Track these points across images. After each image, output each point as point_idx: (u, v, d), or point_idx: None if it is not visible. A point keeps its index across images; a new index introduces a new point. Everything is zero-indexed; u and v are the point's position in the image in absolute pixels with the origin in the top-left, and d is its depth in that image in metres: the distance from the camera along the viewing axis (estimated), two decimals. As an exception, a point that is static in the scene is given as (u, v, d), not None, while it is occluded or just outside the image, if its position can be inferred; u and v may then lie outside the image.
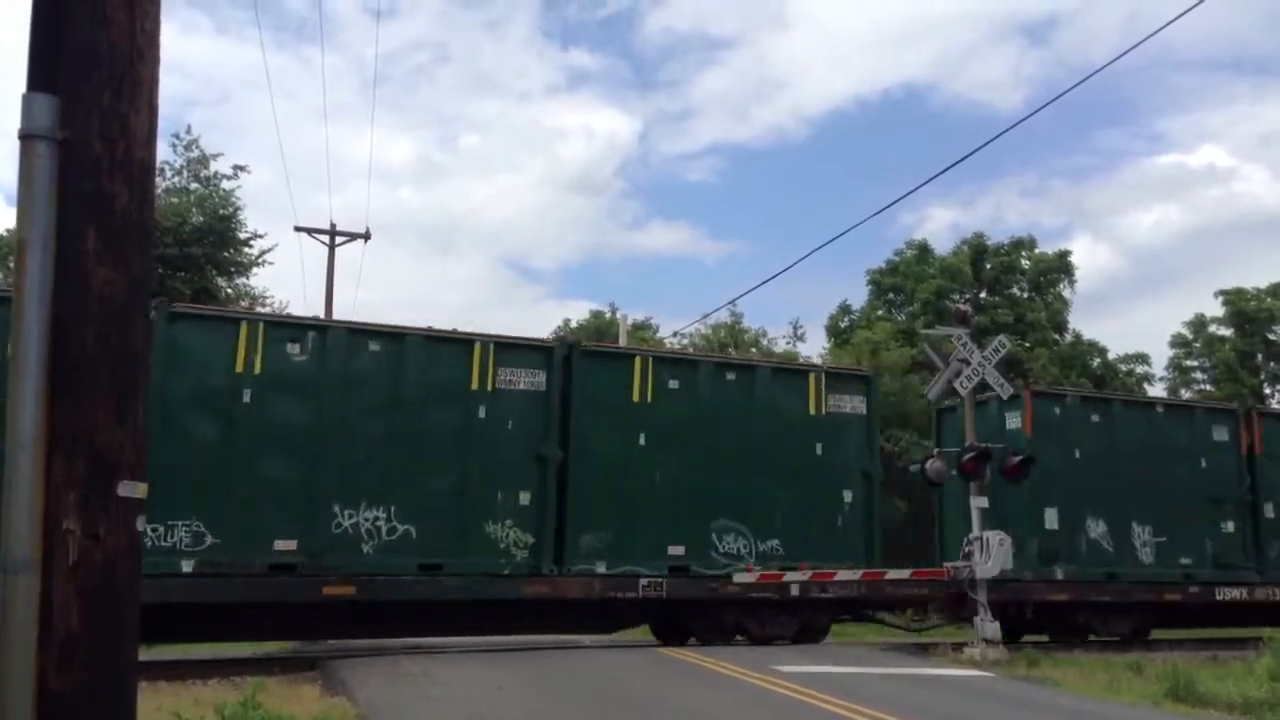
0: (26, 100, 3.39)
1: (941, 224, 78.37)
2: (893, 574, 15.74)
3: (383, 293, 71.93)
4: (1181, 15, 11.60)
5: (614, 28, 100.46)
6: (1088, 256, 70.59)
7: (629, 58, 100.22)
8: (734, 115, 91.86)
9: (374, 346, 13.67)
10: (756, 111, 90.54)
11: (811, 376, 16.30)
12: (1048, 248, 43.62)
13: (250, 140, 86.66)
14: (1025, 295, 41.78)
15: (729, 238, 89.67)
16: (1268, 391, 42.62)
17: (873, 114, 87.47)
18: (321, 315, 26.30)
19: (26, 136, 3.37)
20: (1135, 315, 69.41)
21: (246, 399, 12.86)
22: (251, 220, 64.87)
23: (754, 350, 36.68)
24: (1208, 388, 42.13)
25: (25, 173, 3.36)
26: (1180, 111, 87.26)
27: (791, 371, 16.96)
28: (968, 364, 15.09)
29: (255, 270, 27.35)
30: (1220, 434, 18.70)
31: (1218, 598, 17.83)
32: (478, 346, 14.13)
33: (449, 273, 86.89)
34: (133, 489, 3.40)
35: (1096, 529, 17.32)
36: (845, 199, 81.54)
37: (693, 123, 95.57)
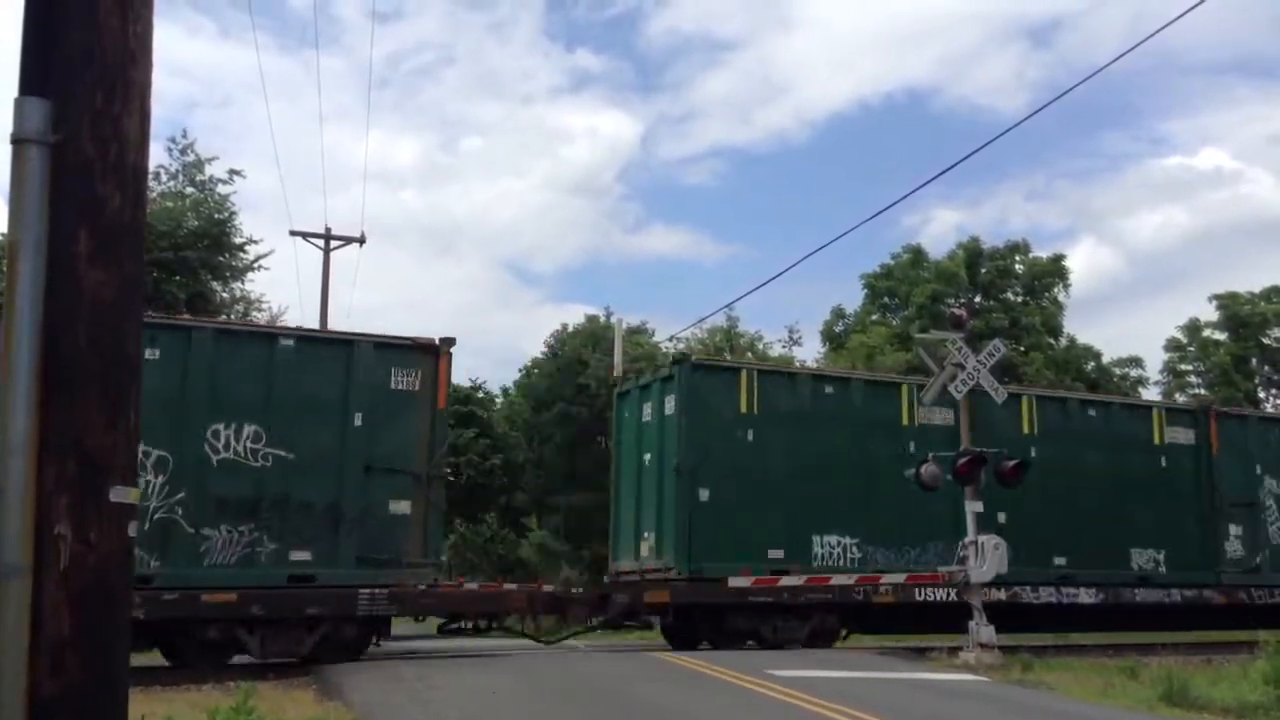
0: (18, 104, 3.39)
1: (946, 226, 78.67)
2: (887, 579, 15.77)
3: (383, 295, 71.95)
4: (1183, 15, 11.56)
5: (618, 29, 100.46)
6: (1091, 259, 70.89)
7: (633, 59, 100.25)
8: (736, 118, 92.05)
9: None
10: (759, 114, 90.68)
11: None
12: (1051, 250, 43.83)
13: (253, 143, 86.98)
14: (1020, 299, 41.85)
15: (729, 241, 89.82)
16: (1262, 395, 42.71)
17: (876, 117, 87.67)
18: (318, 320, 26.26)
19: (18, 140, 3.36)
20: (1139, 318, 69.87)
21: None
22: (255, 223, 65.00)
23: (749, 355, 36.64)
24: (1203, 392, 42.21)
25: (17, 176, 3.35)
26: (1186, 114, 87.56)
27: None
28: (963, 368, 15.08)
29: (251, 275, 27.28)
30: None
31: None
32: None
33: (448, 275, 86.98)
34: (124, 494, 3.40)
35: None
36: (847, 202, 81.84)
37: (695, 125, 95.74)
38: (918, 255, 42.34)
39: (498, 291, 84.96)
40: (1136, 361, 43.18)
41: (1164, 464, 18.77)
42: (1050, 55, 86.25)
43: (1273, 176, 78.73)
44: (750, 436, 16.06)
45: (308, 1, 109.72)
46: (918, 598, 16.05)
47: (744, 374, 16.50)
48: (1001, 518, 16.60)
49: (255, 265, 26.89)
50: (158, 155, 26.53)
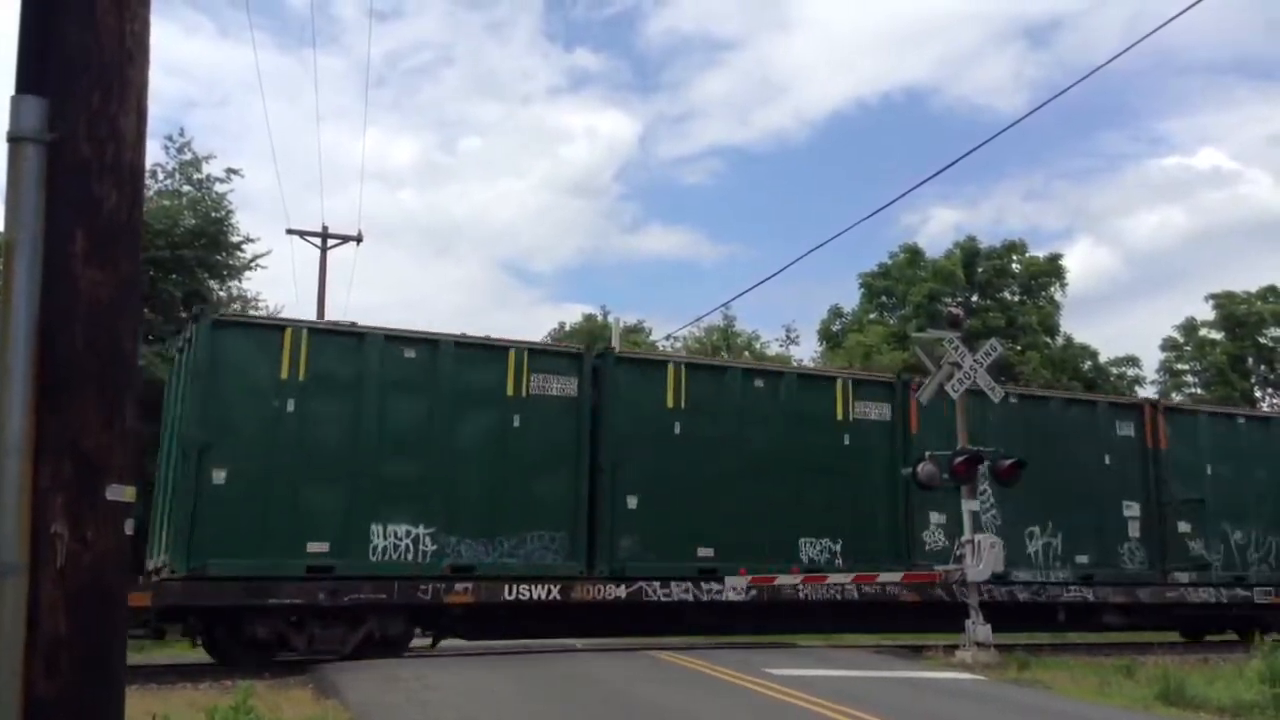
0: (15, 102, 3.38)
1: (945, 225, 78.69)
2: (884, 577, 15.73)
3: (381, 295, 71.91)
4: (1180, 14, 11.61)
5: (617, 29, 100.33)
6: (1089, 259, 71.00)
7: (631, 59, 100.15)
8: (735, 117, 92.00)
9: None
10: (757, 114, 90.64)
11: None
12: (1049, 250, 43.96)
13: (251, 142, 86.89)
14: (1016, 299, 41.91)
15: (727, 241, 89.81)
16: (1259, 395, 42.79)
17: (874, 117, 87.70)
18: (314, 318, 26.23)
19: (15, 139, 3.35)
20: (1137, 318, 70.10)
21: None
22: (253, 222, 64.93)
23: (746, 354, 36.68)
24: (1199, 391, 42.30)
25: (13, 175, 3.34)
26: (1184, 114, 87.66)
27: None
28: (959, 367, 15.09)
29: (248, 274, 27.25)
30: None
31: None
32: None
33: (447, 275, 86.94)
34: (121, 493, 3.39)
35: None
36: (846, 202, 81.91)
37: (693, 125, 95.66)
38: (915, 254, 42.39)
39: (496, 291, 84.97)
40: (1133, 361, 43.28)
41: (847, 442, 16.35)
42: (1049, 55, 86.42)
43: (1271, 177, 79.04)
44: (291, 407, 13.38)
45: (306, 0, 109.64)
46: (507, 596, 13.90)
47: (289, 333, 13.63)
48: (632, 503, 14.93)
49: (252, 264, 26.87)
50: (154, 154, 26.59)
